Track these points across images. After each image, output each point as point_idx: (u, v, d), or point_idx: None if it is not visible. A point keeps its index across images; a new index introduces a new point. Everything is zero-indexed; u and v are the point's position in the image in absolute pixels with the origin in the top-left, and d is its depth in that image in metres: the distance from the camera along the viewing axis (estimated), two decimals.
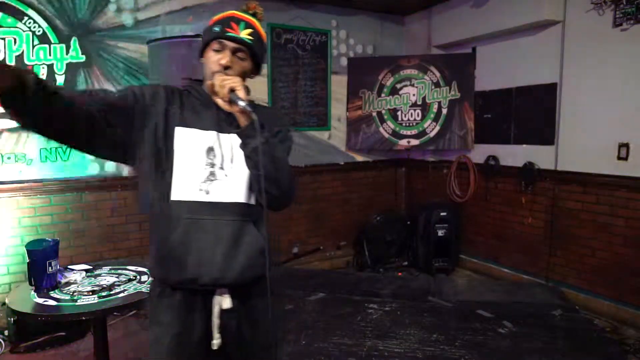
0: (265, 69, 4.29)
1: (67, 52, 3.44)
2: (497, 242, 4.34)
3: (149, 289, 1.50)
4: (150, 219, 1.40)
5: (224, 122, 1.35)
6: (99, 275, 2.34)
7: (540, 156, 3.87)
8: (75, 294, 2.06)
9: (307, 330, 2.92)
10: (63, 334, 3.10)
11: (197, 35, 3.06)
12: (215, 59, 1.33)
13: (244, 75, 1.37)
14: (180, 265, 1.29)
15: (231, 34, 1.33)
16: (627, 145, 3.24)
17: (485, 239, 4.47)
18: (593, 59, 3.42)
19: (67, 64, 3.45)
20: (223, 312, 1.35)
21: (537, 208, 3.93)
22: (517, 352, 2.69)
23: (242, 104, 1.24)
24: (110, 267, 2.47)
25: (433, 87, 4.58)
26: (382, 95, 4.68)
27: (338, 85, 4.73)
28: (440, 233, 4.41)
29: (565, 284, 3.72)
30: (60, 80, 3.43)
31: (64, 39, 3.42)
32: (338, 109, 4.76)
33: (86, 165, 3.58)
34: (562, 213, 3.73)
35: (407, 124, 4.65)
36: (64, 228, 3.52)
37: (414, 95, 4.61)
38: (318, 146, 4.67)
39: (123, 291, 2.10)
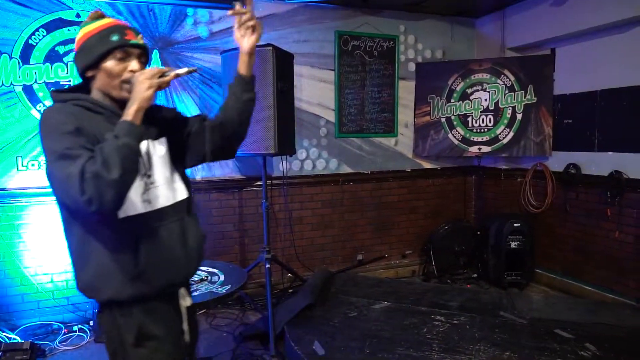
0: (332, 76, 4.33)
1: (149, 64, 3.68)
2: (578, 257, 4.02)
3: (102, 317, 1.38)
4: (96, 243, 1.31)
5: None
6: None
7: (630, 164, 3.54)
8: None
9: (372, 340, 2.87)
10: None
11: (267, 45, 3.15)
12: (121, 67, 1.32)
13: None
14: (157, 274, 1.34)
15: (134, 41, 1.34)
16: None
17: (564, 253, 4.16)
18: None
19: None
20: (188, 307, 1.47)
21: (625, 221, 3.60)
22: None
23: (183, 70, 1.35)
24: None
25: (507, 91, 4.36)
26: (452, 100, 4.54)
27: (405, 91, 4.65)
28: (513, 245, 4.17)
29: None
30: None
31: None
32: (405, 115, 4.68)
33: None
34: None
35: (478, 130, 4.46)
36: None
37: (485, 100, 4.43)
38: (384, 153, 4.62)
39: (196, 290, 2.19)
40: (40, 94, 3.38)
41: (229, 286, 2.22)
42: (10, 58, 3.28)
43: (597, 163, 3.79)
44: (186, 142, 1.49)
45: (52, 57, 3.39)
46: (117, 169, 1.12)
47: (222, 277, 2.36)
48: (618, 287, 3.67)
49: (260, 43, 3.50)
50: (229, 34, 3.91)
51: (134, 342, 1.33)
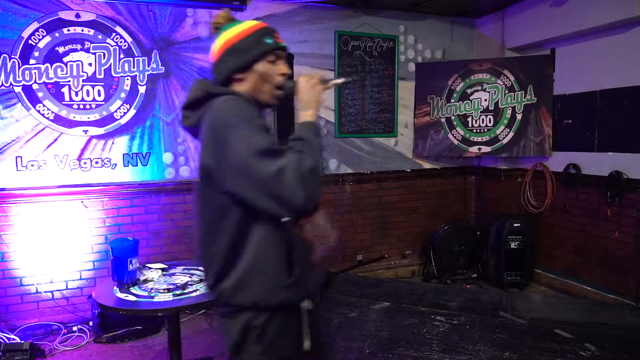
0: (332, 76, 4.32)
1: (149, 64, 3.69)
2: (578, 257, 4.02)
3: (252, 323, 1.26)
4: (263, 245, 1.25)
5: None
6: (174, 274, 2.46)
7: (630, 165, 3.54)
8: (152, 291, 2.19)
9: (372, 340, 2.88)
10: (140, 327, 3.30)
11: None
12: (275, 69, 1.32)
13: None
14: (305, 281, 1.30)
15: (282, 44, 1.35)
16: None
17: (564, 253, 4.16)
18: None
19: (148, 75, 3.69)
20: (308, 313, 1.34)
21: (625, 222, 3.60)
22: None
23: (340, 80, 1.44)
24: (183, 267, 2.60)
25: (507, 91, 4.36)
26: (452, 100, 4.54)
27: (405, 91, 4.65)
28: (513, 245, 4.17)
29: None
30: (141, 90, 3.68)
31: (146, 52, 3.67)
32: (405, 115, 4.68)
33: (163, 170, 3.80)
34: None
35: (478, 130, 4.46)
36: (142, 228, 3.76)
37: (485, 100, 4.43)
38: (384, 153, 4.62)
39: (195, 290, 2.19)
40: (40, 95, 3.38)
41: None
42: (10, 58, 3.28)
43: (597, 163, 3.79)
44: None
45: (52, 57, 3.39)
46: (320, 167, 1.15)
47: None
48: (618, 288, 3.67)
49: None
50: None
51: (265, 349, 1.25)
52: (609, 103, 3.71)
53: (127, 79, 3.63)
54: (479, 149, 4.47)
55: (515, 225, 4.17)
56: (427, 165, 4.81)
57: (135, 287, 2.27)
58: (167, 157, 3.81)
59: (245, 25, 1.33)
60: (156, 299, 2.10)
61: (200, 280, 2.32)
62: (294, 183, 1.08)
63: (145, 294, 2.17)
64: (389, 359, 2.67)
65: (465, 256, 4.57)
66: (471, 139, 4.49)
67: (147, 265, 2.59)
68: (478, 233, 4.51)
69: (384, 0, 4.23)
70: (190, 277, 2.39)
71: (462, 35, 4.85)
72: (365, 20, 4.39)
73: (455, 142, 4.55)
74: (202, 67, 3.85)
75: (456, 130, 4.53)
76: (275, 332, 1.26)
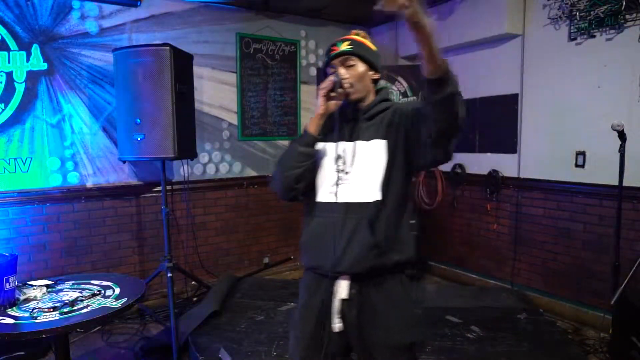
0: (234, 78, 4.28)
1: (28, 60, 3.34)
2: (465, 249, 4.44)
3: None
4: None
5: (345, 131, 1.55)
6: (61, 290, 2.26)
7: (504, 164, 4.00)
8: (35, 310, 1.98)
9: (279, 341, 2.89)
10: (22, 353, 2.96)
11: (164, 44, 3.02)
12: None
13: (361, 78, 1.52)
14: (310, 253, 1.54)
15: (333, 53, 1.53)
16: (583, 154, 3.39)
17: (453, 245, 4.56)
18: (551, 71, 3.58)
19: (27, 72, 3.34)
20: (344, 299, 1.47)
21: (502, 214, 4.06)
22: (484, 356, 2.75)
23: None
24: (73, 281, 2.39)
25: (401, 97, 4.66)
26: None
27: (308, 95, 4.76)
28: None
29: (530, 287, 3.83)
30: (19, 88, 3.32)
31: (24, 46, 3.32)
32: (308, 118, 4.79)
33: (47, 177, 3.45)
34: (525, 219, 3.86)
35: None
36: (23, 242, 3.38)
37: None
38: None
39: (86, 307, 2.03)
40: None
41: (125, 299, 2.09)
42: None
43: (478, 163, 4.23)
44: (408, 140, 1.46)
45: None
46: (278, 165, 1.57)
47: (117, 290, 2.20)
48: (497, 274, 4.12)
49: (157, 42, 3.36)
50: (121, 31, 3.68)
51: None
52: (486, 109, 4.15)
53: (1, 75, 3.25)
54: None
55: (410, 221, 4.45)
56: None
57: (14, 308, 2.03)
58: (53, 163, 3.47)
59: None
60: (39, 320, 1.90)
61: (93, 295, 2.15)
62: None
63: (26, 314, 1.96)
64: None
65: None
66: None
67: (29, 282, 2.34)
68: None
69: (285, 5, 4.28)
70: (80, 292, 2.20)
71: None
72: (267, 24, 4.42)
73: None
74: (92, 64, 3.58)
75: None
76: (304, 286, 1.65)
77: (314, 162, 1.52)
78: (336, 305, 1.48)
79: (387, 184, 1.45)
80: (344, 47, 1.52)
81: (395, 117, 1.48)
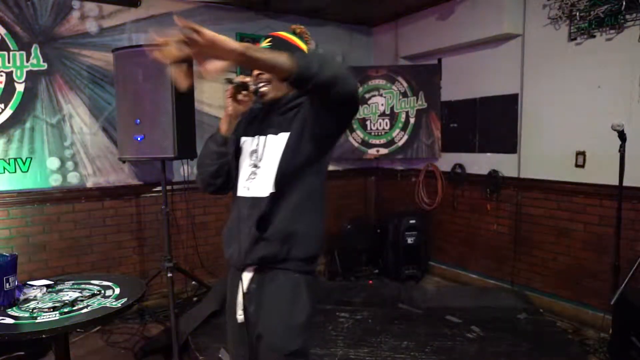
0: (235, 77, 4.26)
1: (28, 60, 3.33)
2: (465, 249, 4.44)
3: None
4: None
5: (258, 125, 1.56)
6: (61, 290, 2.25)
7: (504, 164, 4.00)
8: (35, 310, 1.98)
9: None
10: (22, 353, 2.96)
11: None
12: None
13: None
14: (225, 246, 1.56)
15: None
16: (583, 154, 3.39)
17: (453, 245, 4.56)
18: (551, 71, 3.58)
19: (27, 72, 3.33)
20: (245, 292, 1.49)
21: (502, 214, 4.05)
22: (484, 356, 2.75)
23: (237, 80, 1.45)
24: (73, 281, 2.39)
25: (401, 97, 4.67)
26: None
27: None
28: (409, 241, 4.46)
29: (530, 287, 3.83)
30: (19, 88, 3.32)
31: (24, 46, 3.31)
32: None
33: (47, 177, 3.45)
34: (525, 219, 3.86)
35: (376, 133, 4.72)
36: (23, 242, 3.38)
37: (382, 105, 4.69)
38: None
39: (86, 307, 2.03)
40: None
41: (125, 299, 2.09)
42: None
43: (479, 163, 4.22)
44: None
45: None
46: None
47: (117, 290, 2.20)
48: (497, 274, 4.12)
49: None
50: (121, 31, 3.68)
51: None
52: (485, 109, 4.15)
53: (1, 75, 3.25)
54: (377, 151, 4.73)
55: (411, 222, 4.47)
56: (329, 167, 4.94)
57: (14, 308, 2.03)
58: (53, 163, 3.47)
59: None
60: (39, 320, 1.90)
61: (93, 295, 2.15)
62: None
63: (26, 314, 1.96)
64: None
65: (368, 253, 4.79)
66: (370, 142, 4.73)
67: (29, 282, 2.34)
68: (378, 231, 4.76)
69: (285, 5, 4.28)
70: (80, 292, 2.20)
71: (360, 43, 5.08)
72: (268, 24, 4.41)
73: (356, 144, 4.75)
74: (92, 64, 3.58)
75: (356, 133, 4.74)
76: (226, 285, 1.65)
77: (227, 158, 1.52)
78: (239, 298, 1.49)
79: (284, 178, 1.41)
80: (264, 45, 1.53)
81: (305, 109, 1.43)
